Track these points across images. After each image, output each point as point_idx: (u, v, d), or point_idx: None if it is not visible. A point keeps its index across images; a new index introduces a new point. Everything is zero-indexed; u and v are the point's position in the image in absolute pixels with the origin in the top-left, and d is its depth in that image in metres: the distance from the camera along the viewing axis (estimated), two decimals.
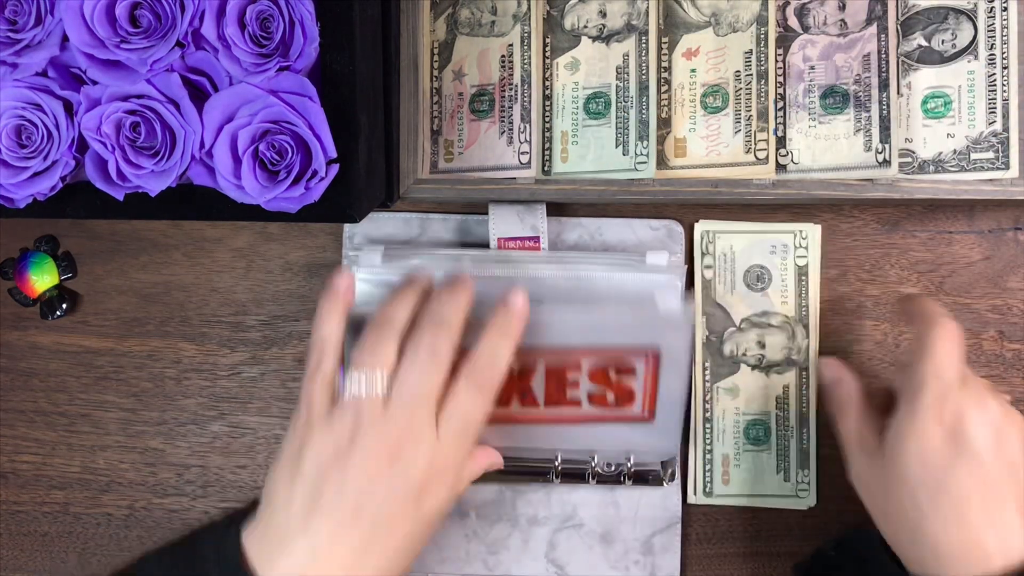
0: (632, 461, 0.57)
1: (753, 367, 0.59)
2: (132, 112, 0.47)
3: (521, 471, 0.58)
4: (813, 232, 0.59)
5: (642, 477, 0.58)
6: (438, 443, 0.46)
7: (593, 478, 0.57)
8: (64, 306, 0.61)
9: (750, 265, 0.59)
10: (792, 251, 0.59)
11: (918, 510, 0.46)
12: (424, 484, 0.45)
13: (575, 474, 0.57)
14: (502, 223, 0.58)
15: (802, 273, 0.59)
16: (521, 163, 0.57)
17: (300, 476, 0.45)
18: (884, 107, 0.55)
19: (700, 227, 0.59)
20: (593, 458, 0.57)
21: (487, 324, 0.48)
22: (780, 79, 0.56)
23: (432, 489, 0.46)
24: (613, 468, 0.57)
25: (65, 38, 0.47)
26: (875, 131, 0.56)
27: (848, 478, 0.52)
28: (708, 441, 0.59)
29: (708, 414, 0.59)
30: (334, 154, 0.47)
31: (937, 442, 0.46)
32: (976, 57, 0.55)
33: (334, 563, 0.44)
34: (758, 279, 0.59)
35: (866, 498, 0.50)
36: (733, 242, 0.59)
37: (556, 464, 0.57)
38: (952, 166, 0.56)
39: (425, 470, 0.45)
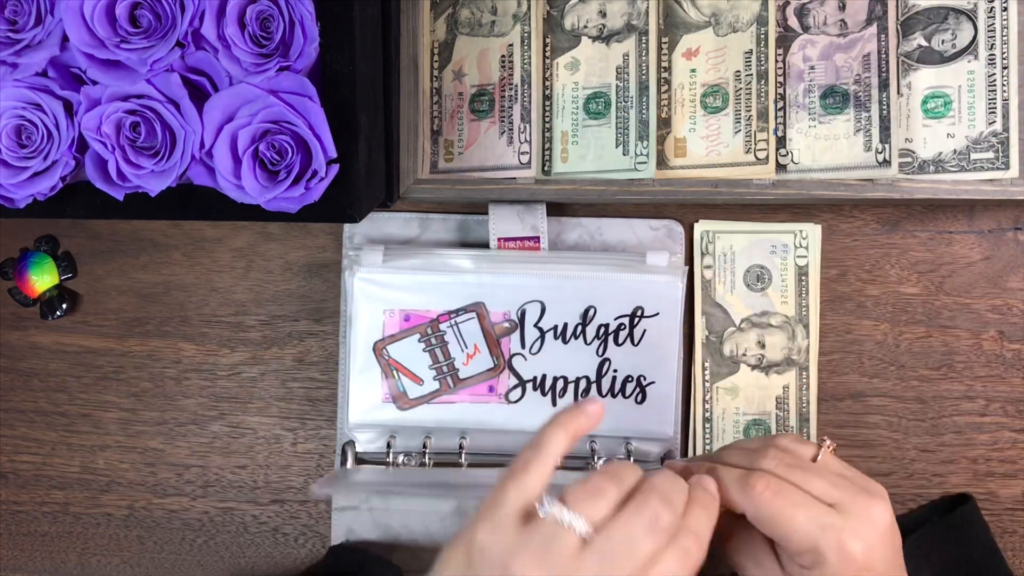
0: (632, 446, 0.57)
1: (753, 367, 0.59)
2: (132, 112, 0.47)
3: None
4: (813, 232, 0.59)
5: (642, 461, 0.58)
6: None
7: (597, 459, 0.57)
8: (64, 306, 0.61)
9: (750, 265, 0.59)
10: (792, 251, 0.59)
11: None
12: None
13: (576, 458, 0.58)
14: (502, 223, 0.58)
15: (802, 273, 0.59)
16: (521, 163, 0.57)
17: (467, 566, 0.42)
18: (884, 107, 0.55)
19: (700, 227, 0.59)
20: (594, 441, 0.57)
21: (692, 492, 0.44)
22: (780, 79, 0.56)
23: None
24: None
25: (65, 38, 0.47)
26: (875, 131, 0.56)
27: None
28: (708, 441, 0.59)
29: (708, 414, 0.59)
30: (334, 154, 0.47)
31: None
32: (976, 57, 0.55)
33: None
34: (758, 279, 0.59)
35: None
36: (733, 242, 0.59)
37: None
38: (952, 166, 0.56)
39: None
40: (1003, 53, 0.55)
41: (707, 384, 0.59)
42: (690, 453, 0.59)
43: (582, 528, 0.40)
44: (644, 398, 0.58)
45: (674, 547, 0.41)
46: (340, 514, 0.60)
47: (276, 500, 0.62)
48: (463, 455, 0.58)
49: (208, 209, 0.49)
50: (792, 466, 0.45)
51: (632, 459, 0.57)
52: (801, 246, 0.59)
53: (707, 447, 0.59)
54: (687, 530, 0.42)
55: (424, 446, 0.58)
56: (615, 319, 0.57)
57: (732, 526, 0.46)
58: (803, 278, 0.59)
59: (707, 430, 0.59)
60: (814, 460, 0.46)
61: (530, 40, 0.57)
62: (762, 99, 0.56)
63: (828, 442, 0.47)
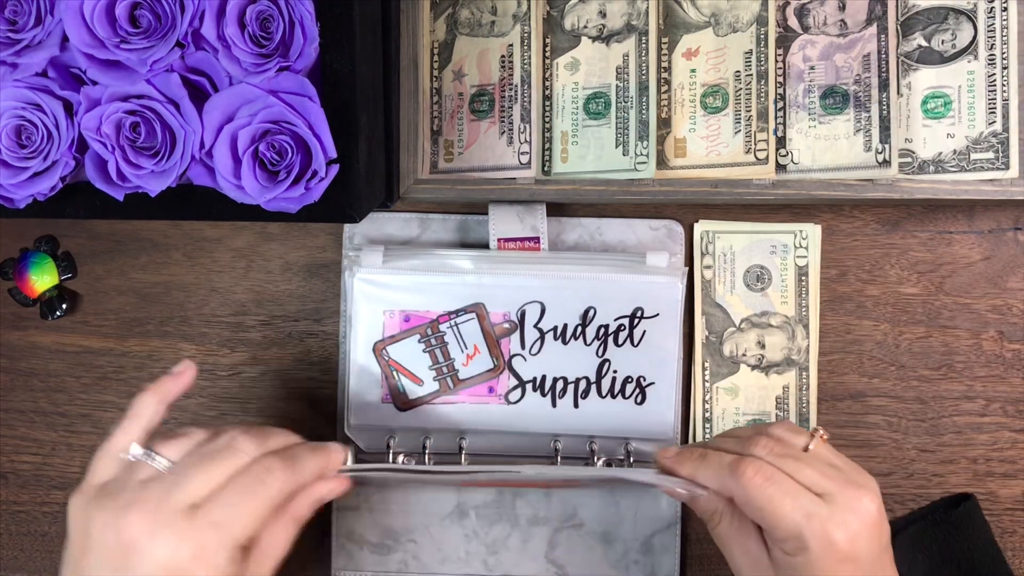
0: (632, 446, 0.57)
1: (753, 367, 0.59)
2: (132, 112, 0.47)
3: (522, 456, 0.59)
4: (813, 232, 0.59)
5: (642, 462, 0.58)
6: (189, 532, 0.42)
7: (598, 459, 0.57)
8: (64, 306, 0.61)
9: (750, 265, 0.59)
10: (792, 251, 0.59)
11: None
12: (174, 573, 0.42)
13: (576, 459, 0.58)
14: (502, 223, 0.58)
15: (802, 273, 0.59)
16: (521, 163, 0.57)
17: (68, 543, 0.45)
18: (884, 107, 0.55)
19: (700, 227, 0.59)
20: (595, 442, 0.57)
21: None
22: (780, 79, 0.56)
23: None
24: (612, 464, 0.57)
25: (65, 38, 0.47)
26: (875, 131, 0.56)
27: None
28: (708, 440, 0.59)
29: (708, 414, 0.59)
30: (334, 154, 0.47)
31: (846, 568, 0.44)
32: (976, 57, 0.55)
33: None
34: (758, 279, 0.59)
35: None
36: (733, 242, 0.59)
37: (556, 444, 0.57)
38: (952, 166, 0.56)
39: (163, 561, 0.41)
40: (1003, 53, 0.55)
41: (707, 384, 0.59)
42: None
43: (160, 462, 0.45)
44: (644, 399, 0.58)
45: (246, 472, 0.44)
46: (340, 514, 0.60)
47: None
48: (462, 456, 0.58)
49: (208, 209, 0.49)
50: (783, 455, 0.46)
51: (632, 460, 0.57)
52: (801, 246, 0.59)
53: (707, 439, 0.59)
54: (269, 452, 0.45)
55: (424, 446, 0.58)
56: (615, 320, 0.57)
57: (721, 512, 0.47)
58: (803, 278, 0.59)
59: (707, 430, 0.59)
60: (806, 450, 0.47)
61: (530, 40, 0.57)
62: (762, 99, 0.56)
63: (821, 431, 0.48)
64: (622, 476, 0.53)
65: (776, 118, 0.56)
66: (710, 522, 0.48)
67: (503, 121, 0.58)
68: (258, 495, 0.44)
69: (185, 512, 0.42)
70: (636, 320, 0.57)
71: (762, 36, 0.56)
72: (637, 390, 0.57)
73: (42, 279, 0.61)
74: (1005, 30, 0.55)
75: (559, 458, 0.57)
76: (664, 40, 0.57)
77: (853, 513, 0.44)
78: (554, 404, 0.58)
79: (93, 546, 0.42)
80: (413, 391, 0.58)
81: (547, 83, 0.57)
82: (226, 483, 0.44)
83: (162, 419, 0.48)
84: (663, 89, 0.57)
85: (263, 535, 0.46)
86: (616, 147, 0.57)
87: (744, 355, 0.59)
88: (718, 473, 0.46)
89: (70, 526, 0.44)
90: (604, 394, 0.57)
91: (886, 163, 0.55)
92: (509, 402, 0.58)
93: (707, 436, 0.59)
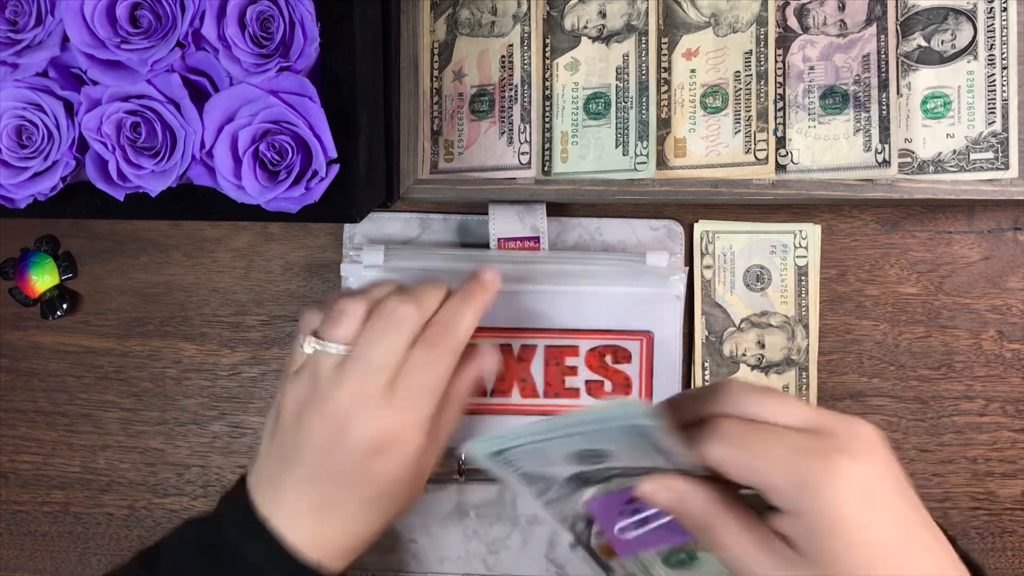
0: None
1: (753, 367, 0.59)
2: (132, 112, 0.47)
3: None
4: (813, 232, 0.59)
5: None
6: (389, 410, 0.45)
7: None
8: (64, 306, 0.61)
9: (750, 265, 0.59)
10: (792, 251, 0.59)
11: None
12: (373, 452, 0.45)
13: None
14: (502, 223, 0.58)
15: (802, 273, 0.59)
16: (521, 163, 0.58)
17: (274, 429, 0.48)
18: (884, 107, 0.55)
19: (700, 227, 0.59)
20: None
21: (454, 293, 0.49)
22: (780, 79, 0.56)
23: (384, 457, 0.46)
24: None
25: (65, 38, 0.47)
26: (875, 131, 0.56)
27: None
28: None
29: None
30: (334, 154, 0.47)
31: (865, 511, 0.36)
32: (976, 57, 0.55)
33: (295, 516, 0.46)
34: (758, 279, 0.59)
35: None
36: (733, 242, 0.59)
37: None
38: (952, 166, 0.56)
39: (373, 439, 0.45)
40: (1003, 53, 0.55)
41: (707, 384, 0.59)
42: None
43: (335, 348, 0.46)
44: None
45: (421, 343, 0.46)
46: None
47: None
48: (462, 456, 0.58)
49: (208, 209, 0.49)
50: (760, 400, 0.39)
51: None
52: (801, 246, 0.59)
53: None
54: (434, 322, 0.47)
55: None
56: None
57: (712, 521, 0.39)
58: (803, 278, 0.59)
59: None
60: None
61: (530, 40, 0.57)
62: (762, 99, 0.56)
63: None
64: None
65: (776, 118, 0.56)
66: (701, 529, 0.39)
67: (503, 121, 0.58)
68: (436, 367, 0.46)
69: (383, 394, 0.45)
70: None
71: (762, 36, 0.56)
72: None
73: (43, 279, 0.61)
74: (1005, 30, 0.55)
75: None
76: (664, 40, 0.57)
77: (859, 440, 0.37)
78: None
79: (302, 428, 0.46)
80: None
81: (547, 83, 0.57)
82: (409, 357, 0.46)
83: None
84: (663, 89, 0.57)
85: (438, 422, 0.48)
86: (616, 147, 0.57)
87: (744, 355, 0.59)
88: (707, 444, 0.38)
89: (279, 408, 0.48)
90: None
91: (886, 163, 0.56)
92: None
93: None
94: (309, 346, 0.47)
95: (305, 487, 0.46)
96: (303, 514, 0.46)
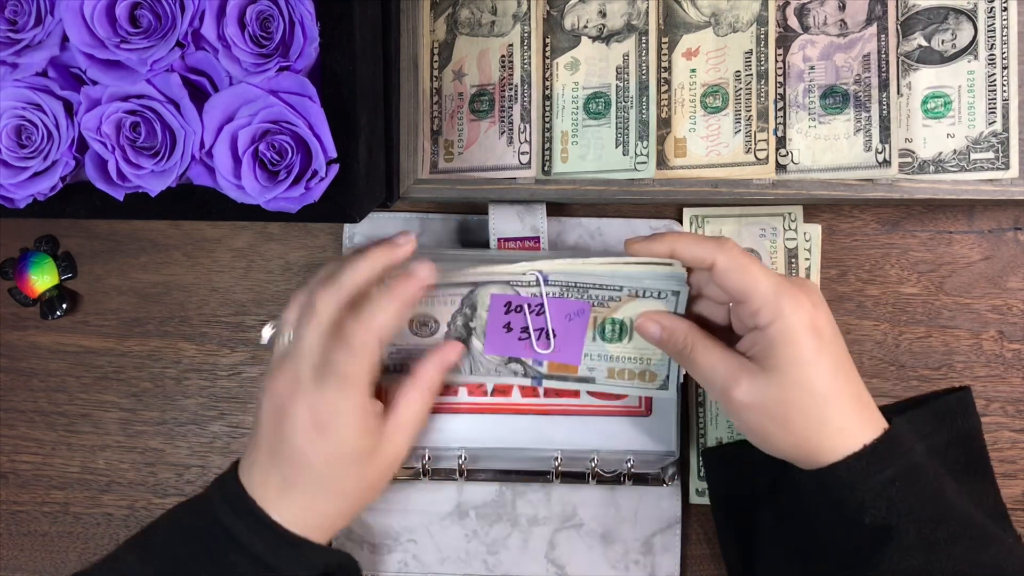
0: (632, 463, 0.57)
1: None
2: (132, 112, 0.47)
3: (521, 471, 0.58)
4: (813, 232, 0.59)
5: (642, 478, 0.58)
6: (319, 394, 0.48)
7: (593, 478, 0.57)
8: (64, 306, 0.61)
9: None
10: (781, 233, 0.59)
11: (820, 398, 0.46)
12: (311, 431, 0.48)
13: (575, 474, 0.57)
14: (502, 223, 0.58)
15: (791, 255, 0.59)
16: (521, 163, 0.57)
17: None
18: (884, 107, 0.55)
19: (689, 212, 0.59)
20: (593, 460, 0.57)
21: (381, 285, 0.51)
22: (780, 79, 0.56)
23: (324, 437, 0.48)
24: (614, 472, 0.57)
25: (65, 38, 0.47)
26: (875, 131, 0.56)
27: (729, 413, 0.49)
28: (702, 437, 0.59)
29: (702, 406, 0.59)
30: (334, 154, 0.47)
31: (814, 338, 0.47)
32: (976, 57, 0.55)
33: (270, 493, 0.49)
34: None
35: (757, 421, 0.48)
36: (722, 226, 0.59)
37: (556, 463, 0.57)
38: (952, 166, 0.56)
39: (307, 419, 0.48)
40: (1003, 53, 0.55)
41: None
42: (690, 454, 0.60)
43: (287, 334, 0.50)
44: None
45: (337, 336, 0.48)
46: None
47: None
48: (463, 457, 0.57)
49: (208, 209, 0.49)
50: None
51: (631, 464, 0.57)
52: (790, 228, 0.59)
53: (702, 440, 0.59)
54: (354, 316, 0.49)
55: (423, 456, 0.58)
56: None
57: (689, 336, 0.50)
58: (792, 260, 0.59)
59: (701, 428, 0.59)
60: None
61: (530, 40, 0.57)
62: (762, 99, 0.56)
63: None
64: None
65: (776, 118, 0.56)
66: (682, 351, 0.50)
67: (503, 121, 0.58)
68: (353, 359, 0.48)
69: (312, 378, 0.48)
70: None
71: (762, 36, 0.56)
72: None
73: (42, 279, 0.61)
74: (1005, 30, 0.55)
75: (559, 460, 0.57)
76: (664, 40, 0.57)
77: (812, 291, 0.48)
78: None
79: (270, 417, 0.49)
80: None
81: (547, 83, 0.57)
82: (329, 347, 0.48)
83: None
84: (663, 89, 0.57)
85: (399, 401, 0.52)
86: (616, 147, 0.57)
87: None
88: (701, 244, 0.49)
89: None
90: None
91: (886, 163, 0.55)
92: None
93: (703, 438, 0.59)
94: (265, 334, 0.53)
95: (268, 467, 0.49)
96: (273, 492, 0.49)
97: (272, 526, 0.48)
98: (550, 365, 0.55)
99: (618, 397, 0.57)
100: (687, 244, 0.49)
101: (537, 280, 0.53)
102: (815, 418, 0.46)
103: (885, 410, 0.49)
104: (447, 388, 0.58)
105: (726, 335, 0.51)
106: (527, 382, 0.56)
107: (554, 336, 0.54)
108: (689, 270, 0.51)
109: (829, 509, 0.47)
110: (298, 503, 0.49)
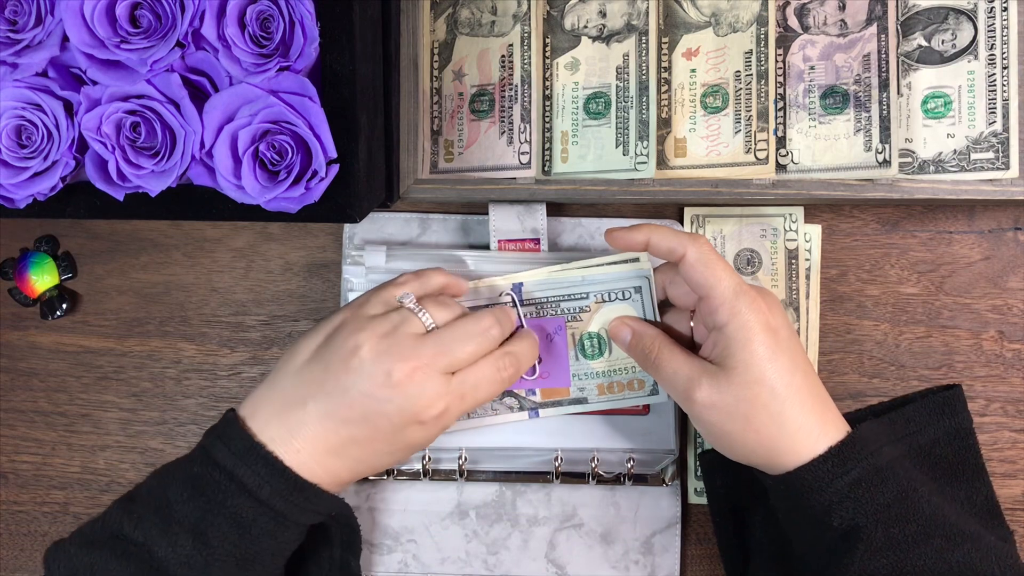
0: (632, 463, 0.57)
1: None
2: (132, 112, 0.47)
3: (521, 471, 0.58)
4: (813, 232, 0.59)
5: (642, 478, 0.58)
6: (445, 392, 0.49)
7: (593, 479, 0.57)
8: (64, 306, 0.61)
9: (740, 249, 0.59)
10: (782, 234, 0.59)
11: (779, 395, 0.47)
12: (413, 419, 0.48)
13: (575, 475, 0.57)
14: (502, 224, 0.58)
15: (792, 256, 0.59)
16: (521, 163, 0.58)
17: (323, 351, 0.49)
18: (884, 107, 0.55)
19: (690, 212, 0.59)
20: (594, 460, 0.57)
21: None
22: (780, 79, 0.56)
23: (420, 428, 0.49)
24: (614, 473, 0.57)
25: (65, 38, 0.47)
26: (875, 131, 0.56)
27: (693, 417, 0.50)
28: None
29: None
30: (334, 154, 0.47)
31: (771, 336, 0.48)
32: (976, 57, 0.55)
33: (308, 443, 0.48)
34: (748, 263, 0.59)
35: (719, 422, 0.48)
36: (723, 226, 0.59)
37: (557, 464, 0.57)
38: (952, 166, 0.56)
39: (421, 409, 0.48)
40: (1003, 53, 0.55)
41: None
42: (689, 454, 0.60)
43: (428, 320, 0.50)
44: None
45: (492, 357, 0.51)
46: None
47: None
48: (463, 458, 0.58)
49: (208, 209, 0.49)
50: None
51: (632, 465, 0.57)
52: (791, 229, 0.59)
53: (699, 439, 0.59)
54: (508, 350, 0.51)
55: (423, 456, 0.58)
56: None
57: (656, 340, 0.52)
58: (792, 261, 0.59)
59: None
60: None
61: (530, 40, 0.57)
62: (762, 99, 0.56)
63: None
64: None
65: (776, 118, 0.56)
66: (648, 355, 0.52)
67: (503, 121, 0.58)
68: (495, 386, 0.51)
69: (447, 376, 0.49)
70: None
71: (762, 36, 0.56)
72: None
73: (42, 279, 0.61)
74: (1005, 30, 0.55)
75: (560, 460, 0.57)
76: (664, 40, 0.57)
77: (769, 296, 0.50)
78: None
79: (362, 370, 0.48)
80: None
81: (547, 83, 0.57)
82: (478, 365, 0.50)
83: (435, 294, 0.53)
84: (663, 89, 0.57)
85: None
86: (616, 147, 0.57)
87: None
88: (676, 236, 0.50)
89: (338, 339, 0.49)
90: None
91: (886, 163, 0.55)
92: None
93: (700, 438, 0.59)
94: (410, 301, 0.50)
95: (329, 422, 0.48)
96: (316, 444, 0.48)
97: (283, 471, 0.47)
98: (543, 392, 0.56)
99: None
100: (663, 235, 0.50)
101: (513, 301, 0.55)
102: (775, 414, 0.47)
103: (872, 409, 0.49)
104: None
105: (689, 346, 0.52)
106: (524, 416, 0.57)
107: (539, 362, 0.56)
108: (655, 270, 0.53)
109: (800, 513, 0.48)
110: (346, 464, 0.49)
